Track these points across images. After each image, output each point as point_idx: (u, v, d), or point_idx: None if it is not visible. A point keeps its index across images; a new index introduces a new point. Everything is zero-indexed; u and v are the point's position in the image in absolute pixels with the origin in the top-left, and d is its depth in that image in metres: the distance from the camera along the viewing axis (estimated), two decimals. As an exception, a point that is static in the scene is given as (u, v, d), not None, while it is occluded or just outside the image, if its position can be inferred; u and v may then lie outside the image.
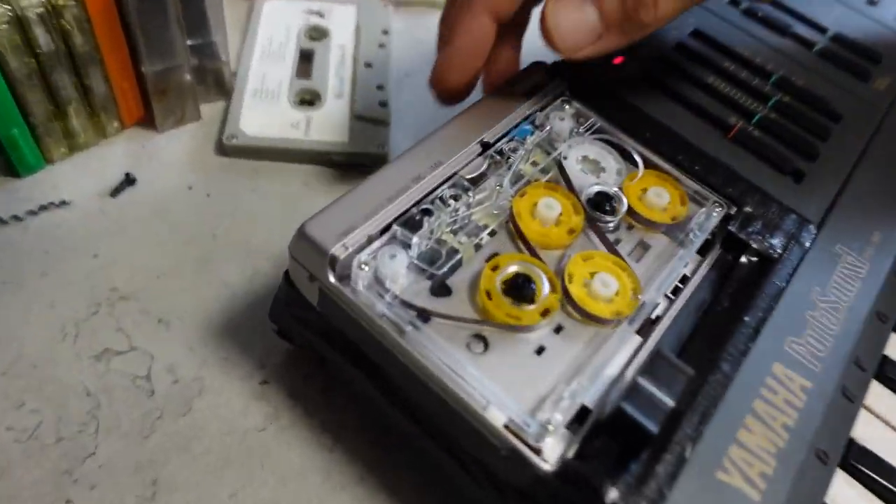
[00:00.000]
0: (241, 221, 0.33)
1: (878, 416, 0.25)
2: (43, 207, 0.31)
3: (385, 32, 0.41)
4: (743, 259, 0.27)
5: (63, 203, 0.31)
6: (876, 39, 0.39)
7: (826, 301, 0.26)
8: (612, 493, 0.19)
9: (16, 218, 0.31)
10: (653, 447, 0.20)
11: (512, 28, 0.30)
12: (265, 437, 0.26)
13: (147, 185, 0.33)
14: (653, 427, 0.19)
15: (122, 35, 0.31)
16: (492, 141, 0.27)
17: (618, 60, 0.34)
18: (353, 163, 0.35)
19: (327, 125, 0.36)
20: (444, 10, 0.29)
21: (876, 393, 0.26)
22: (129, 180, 0.33)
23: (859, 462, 0.24)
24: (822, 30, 0.39)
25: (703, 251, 0.27)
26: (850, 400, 0.24)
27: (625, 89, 0.32)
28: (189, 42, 0.33)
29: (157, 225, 0.32)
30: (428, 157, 0.26)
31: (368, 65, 0.39)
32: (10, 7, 0.27)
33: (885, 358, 0.27)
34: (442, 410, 0.21)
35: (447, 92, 0.29)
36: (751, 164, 0.30)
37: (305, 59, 0.39)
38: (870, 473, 0.24)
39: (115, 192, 0.32)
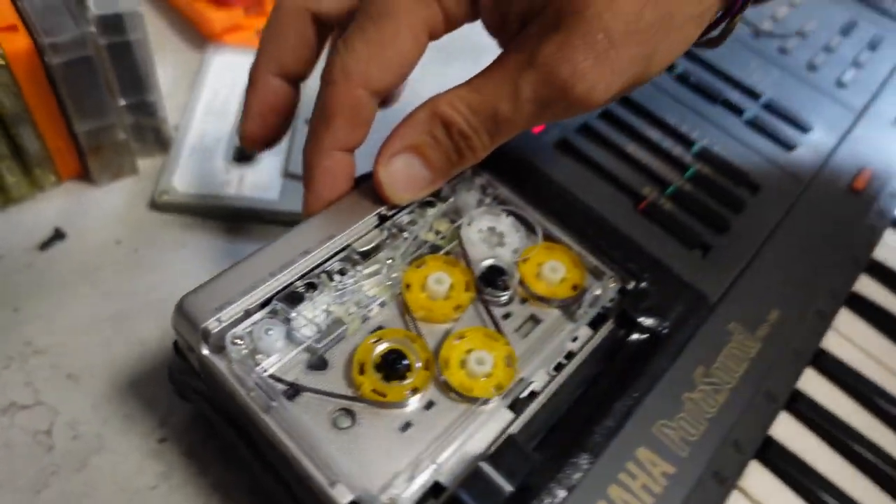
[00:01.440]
0: (166, 277, 0.34)
1: (751, 498, 0.25)
2: (-27, 260, 0.33)
3: (329, 89, 0.42)
4: (634, 336, 0.27)
5: (-7, 256, 0.33)
6: (810, 107, 0.40)
7: (708, 382, 0.26)
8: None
9: (-53, 269, 0.32)
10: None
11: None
12: (155, 496, 0.27)
13: (77, 239, 0.34)
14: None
15: (52, 96, 0.32)
16: (389, 214, 0.28)
17: (537, 130, 0.34)
18: (281, 220, 0.36)
19: (260, 182, 0.37)
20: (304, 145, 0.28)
21: (755, 474, 0.26)
22: (58, 234, 0.34)
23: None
24: (755, 95, 0.39)
25: (595, 325, 0.28)
26: (720, 483, 0.24)
27: (540, 159, 0.33)
28: (124, 101, 0.35)
29: (81, 280, 0.33)
30: (320, 231, 0.27)
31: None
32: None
33: (769, 438, 0.27)
34: (300, 485, 0.22)
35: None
36: (657, 238, 0.31)
37: (247, 115, 0.40)
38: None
39: (44, 246, 0.34)
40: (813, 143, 0.38)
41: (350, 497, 0.21)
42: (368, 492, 0.21)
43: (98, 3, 0.31)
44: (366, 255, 0.27)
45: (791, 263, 0.31)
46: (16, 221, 0.34)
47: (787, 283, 0.30)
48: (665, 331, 0.27)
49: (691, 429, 0.25)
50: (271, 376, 0.23)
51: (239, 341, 0.23)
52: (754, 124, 0.38)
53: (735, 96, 0.39)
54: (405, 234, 0.28)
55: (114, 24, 0.32)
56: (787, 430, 0.28)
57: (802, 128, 0.38)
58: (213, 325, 0.23)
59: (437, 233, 0.29)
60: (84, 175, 0.36)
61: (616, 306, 0.28)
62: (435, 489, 0.22)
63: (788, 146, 0.37)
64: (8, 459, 0.27)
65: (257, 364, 0.23)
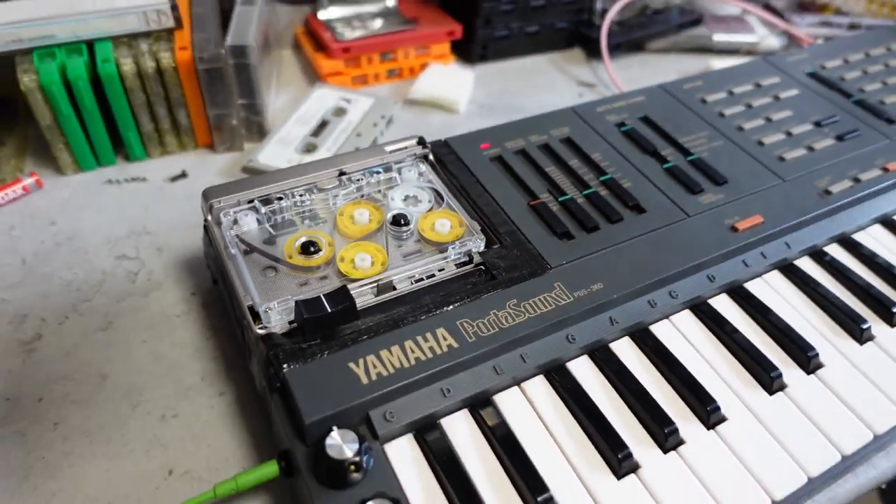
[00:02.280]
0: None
1: (526, 395, 0.35)
2: (134, 179, 0.54)
3: (383, 118, 0.60)
4: (477, 270, 0.39)
5: (144, 179, 0.54)
6: (736, 169, 0.48)
7: (515, 308, 0.37)
8: (280, 345, 0.33)
9: (118, 182, 0.53)
10: (322, 336, 0.34)
11: None
12: (178, 321, 0.44)
13: (194, 179, 0.54)
14: (303, 317, 0.33)
15: (198, 91, 0.53)
16: (347, 171, 0.43)
17: (484, 146, 0.48)
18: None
19: (311, 165, 0.55)
20: None
21: (537, 382, 0.36)
22: (183, 174, 0.54)
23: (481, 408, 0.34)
24: (686, 153, 0.49)
25: (461, 266, 0.40)
26: (497, 372, 0.35)
27: (475, 165, 0.46)
28: (240, 101, 0.55)
29: (186, 200, 0.52)
30: (301, 173, 0.43)
31: (358, 134, 0.57)
32: (136, 65, 0.50)
33: (563, 367, 0.36)
34: (234, 303, 0.37)
35: None
36: (532, 225, 0.42)
37: (322, 126, 0.59)
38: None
39: (173, 179, 0.54)
40: (722, 191, 0.46)
41: (250, 303, 0.35)
42: (260, 304, 0.35)
43: (232, 38, 0.52)
44: (321, 190, 0.42)
45: (638, 258, 0.41)
46: (163, 164, 0.55)
47: (626, 270, 0.40)
48: (502, 274, 0.39)
49: (486, 329, 0.36)
50: (238, 237, 0.39)
51: (228, 216, 0.40)
52: (672, 172, 0.47)
53: (667, 151, 0.49)
54: (353, 185, 0.43)
55: (239, 51, 0.52)
56: (579, 366, 0.37)
57: (717, 181, 0.47)
58: (216, 204, 0.40)
59: (379, 190, 0.44)
60: (210, 145, 0.57)
61: (478, 257, 0.40)
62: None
63: (694, 191, 0.46)
64: (108, 281, 0.46)
65: (234, 231, 0.40)
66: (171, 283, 0.46)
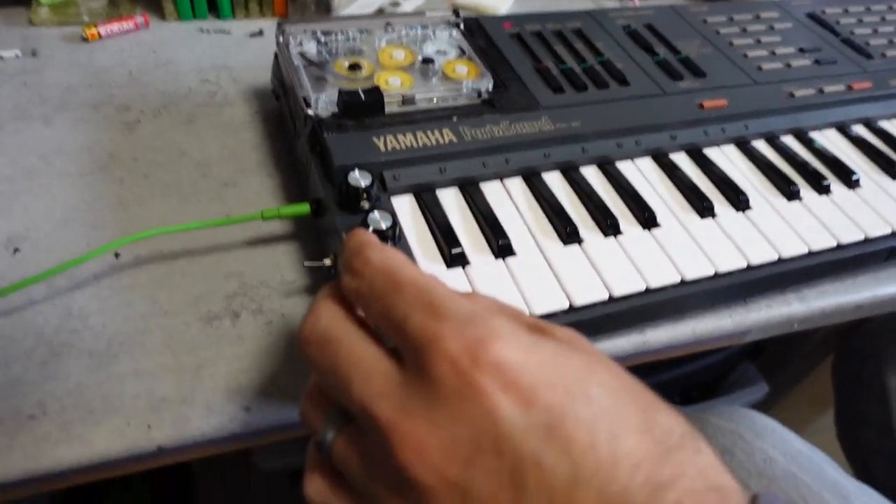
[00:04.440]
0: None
1: (506, 192, 0.45)
2: (221, 31, 0.65)
3: (430, 12, 0.70)
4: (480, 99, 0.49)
5: (228, 32, 0.65)
6: (718, 70, 0.57)
7: (507, 127, 0.47)
8: (323, 120, 0.44)
9: (208, 31, 0.65)
10: (356, 121, 0.45)
11: None
12: (241, 129, 0.55)
13: (268, 38, 0.66)
14: (342, 99, 0.44)
15: (281, -36, 0.64)
16: (394, 25, 0.54)
17: (507, 25, 0.58)
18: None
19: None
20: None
21: (518, 181, 0.46)
22: (260, 32, 0.66)
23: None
24: (677, 52, 0.58)
25: (471, 99, 0.50)
26: (484, 167, 0.45)
27: (496, 36, 0.56)
28: (313, -21, 0.66)
29: (260, 55, 0.63)
30: (357, 22, 0.53)
31: (407, 21, 0.68)
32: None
33: (538, 174, 0.46)
34: (293, 99, 0.48)
35: None
36: (533, 80, 0.52)
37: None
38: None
39: (251, 35, 0.65)
40: (699, 82, 0.55)
41: (304, 94, 0.46)
42: (312, 94, 0.46)
43: (314, -79, 0.63)
44: (370, 33, 0.53)
45: (614, 113, 0.50)
46: (245, 24, 0.67)
47: (602, 118, 0.49)
48: (501, 105, 0.48)
49: (481, 136, 0.46)
50: (301, 53, 0.50)
51: (295, 38, 0.51)
52: (660, 63, 0.56)
53: (661, 49, 0.58)
54: (395, 34, 0.54)
55: (318, -67, 0.63)
56: (551, 177, 0.47)
57: (696, 74, 0.56)
58: (288, 29, 0.51)
59: (415, 41, 0.54)
60: (284, 14, 0.68)
61: (486, 94, 0.50)
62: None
63: (674, 77, 0.55)
64: (192, 94, 0.57)
65: (298, 49, 0.51)
66: (241, 102, 0.57)
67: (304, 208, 0.44)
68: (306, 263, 0.40)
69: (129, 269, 0.43)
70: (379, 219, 0.38)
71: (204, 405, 0.37)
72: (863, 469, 0.80)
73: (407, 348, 0.24)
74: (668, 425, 0.24)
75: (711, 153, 0.51)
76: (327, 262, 0.40)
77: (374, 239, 0.29)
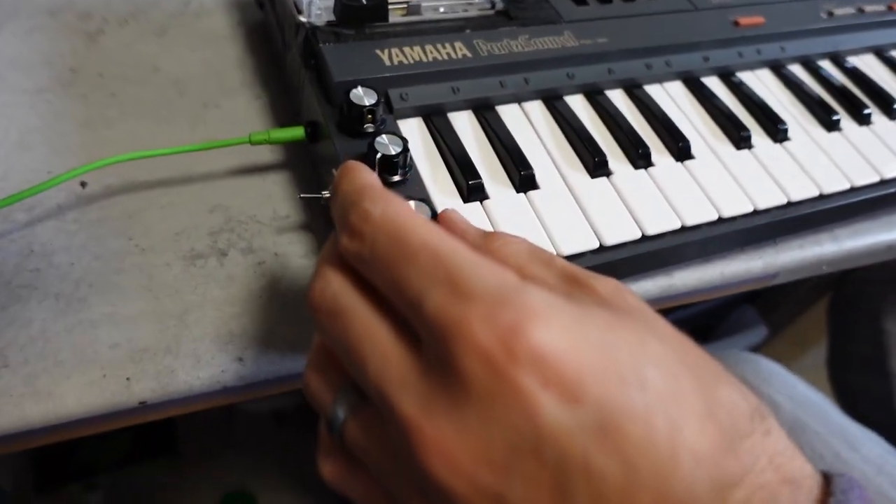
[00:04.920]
0: None
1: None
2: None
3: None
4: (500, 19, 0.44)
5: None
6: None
7: (526, 41, 0.41)
8: (318, 29, 0.38)
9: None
10: (355, 30, 0.39)
11: None
12: (226, 42, 0.49)
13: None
14: (341, 3, 0.38)
15: None
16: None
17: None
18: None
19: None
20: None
21: (538, 106, 0.41)
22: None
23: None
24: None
25: (484, 10, 0.44)
26: (501, 87, 0.40)
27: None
28: None
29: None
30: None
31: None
32: None
33: (559, 96, 0.41)
34: (280, 4, 0.42)
35: None
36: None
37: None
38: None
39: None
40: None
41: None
42: (303, -3, 0.40)
43: None
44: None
45: (643, 29, 0.45)
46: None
47: (630, 35, 0.44)
48: (518, 17, 0.43)
49: (497, 50, 0.40)
50: None
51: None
52: (690, -25, 0.51)
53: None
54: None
55: None
56: (574, 100, 0.42)
57: None
58: (272, -77, 0.44)
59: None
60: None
61: (500, 4, 0.44)
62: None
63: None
64: (164, 2, 0.51)
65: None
66: (220, 11, 0.51)
67: (297, 132, 0.38)
68: (301, 196, 0.35)
69: (99, 201, 0.38)
70: (388, 143, 0.33)
71: (191, 355, 0.32)
72: (852, 408, 0.80)
73: (427, 334, 0.20)
74: (732, 403, 0.20)
75: (746, 77, 0.47)
76: (326, 193, 0.35)
77: (371, 180, 0.24)
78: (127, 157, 0.36)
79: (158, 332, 0.33)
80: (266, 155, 0.42)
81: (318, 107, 0.37)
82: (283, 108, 0.45)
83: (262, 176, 0.41)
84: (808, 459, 0.21)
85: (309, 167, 0.41)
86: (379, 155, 0.33)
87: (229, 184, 0.40)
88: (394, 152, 0.33)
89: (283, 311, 0.35)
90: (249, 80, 0.46)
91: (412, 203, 0.31)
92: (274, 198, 0.40)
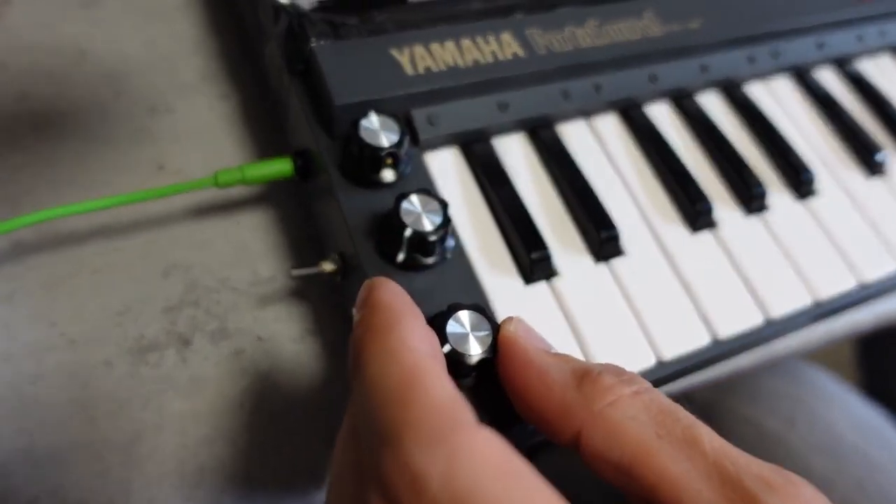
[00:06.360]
0: None
1: (594, 129, 0.29)
2: None
3: None
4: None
5: None
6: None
7: (596, 30, 0.30)
8: (306, 16, 0.26)
9: None
10: (361, 16, 0.27)
11: None
12: (173, 8, 0.36)
13: None
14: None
15: None
16: None
17: None
18: None
19: None
20: None
21: (609, 118, 0.30)
22: None
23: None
24: None
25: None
26: (564, 98, 0.29)
27: None
28: None
29: None
30: None
31: None
32: None
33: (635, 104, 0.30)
34: None
35: None
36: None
37: None
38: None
39: None
40: None
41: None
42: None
43: None
44: None
45: (744, 4, 0.33)
46: None
47: (729, 13, 0.33)
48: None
49: (559, 45, 0.29)
50: None
51: None
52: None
53: None
54: None
55: None
56: (658, 111, 0.31)
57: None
58: None
59: None
60: None
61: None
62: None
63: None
64: None
65: None
66: (171, -31, 0.38)
67: (283, 167, 0.27)
68: (293, 273, 0.25)
69: (7, 266, 0.27)
70: (420, 211, 0.22)
71: (143, 520, 0.23)
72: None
73: None
74: None
75: (866, 68, 0.36)
76: (328, 266, 0.25)
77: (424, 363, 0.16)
78: (38, 218, 0.25)
79: (96, 476, 0.23)
80: (238, 187, 0.31)
81: (311, 134, 0.26)
82: (260, 116, 0.33)
83: (233, 218, 0.30)
84: None
85: (297, 205, 0.31)
86: (409, 232, 0.22)
87: (190, 231, 0.29)
88: (429, 227, 0.22)
89: (275, 429, 0.25)
90: (213, 72, 0.34)
91: (466, 317, 0.21)
92: (251, 250, 0.29)
